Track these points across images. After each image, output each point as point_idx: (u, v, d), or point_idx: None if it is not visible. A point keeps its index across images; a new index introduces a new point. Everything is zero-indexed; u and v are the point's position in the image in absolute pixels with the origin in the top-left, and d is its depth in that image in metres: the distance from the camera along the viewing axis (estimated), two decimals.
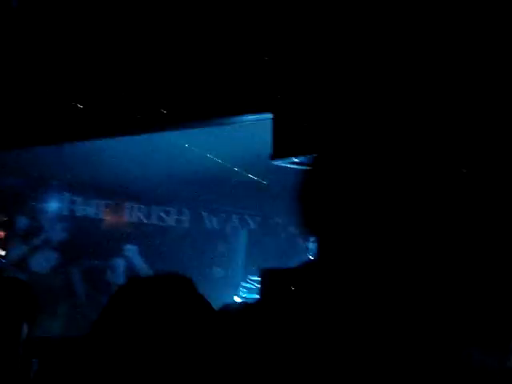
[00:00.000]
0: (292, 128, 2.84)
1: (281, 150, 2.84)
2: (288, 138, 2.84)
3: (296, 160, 2.94)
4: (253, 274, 7.19)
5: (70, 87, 3.94)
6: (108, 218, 8.03)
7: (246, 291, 6.94)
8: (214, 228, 8.62)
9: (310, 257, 4.80)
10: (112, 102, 3.85)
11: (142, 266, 7.86)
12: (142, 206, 8.23)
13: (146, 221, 8.26)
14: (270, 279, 3.89)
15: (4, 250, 7.26)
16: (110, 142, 5.45)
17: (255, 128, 4.77)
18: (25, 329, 2.41)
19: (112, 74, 3.83)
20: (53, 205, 7.65)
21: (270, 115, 3.04)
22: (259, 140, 5.25)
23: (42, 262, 7.46)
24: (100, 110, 3.90)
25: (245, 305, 1.43)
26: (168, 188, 7.48)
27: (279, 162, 2.89)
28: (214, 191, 7.60)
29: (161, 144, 5.65)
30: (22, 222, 7.50)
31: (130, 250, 7.99)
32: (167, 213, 8.38)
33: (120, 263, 7.87)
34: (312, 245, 5.22)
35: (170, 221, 8.40)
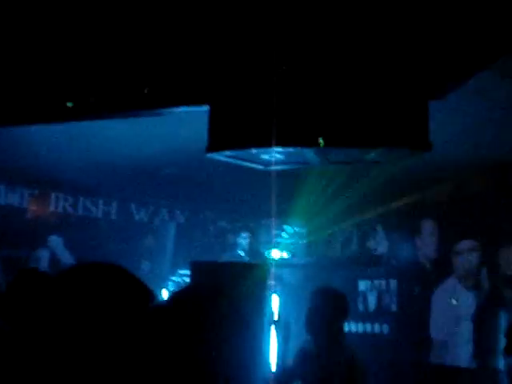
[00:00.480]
0: (229, 121, 2.82)
1: (216, 142, 2.82)
2: (224, 130, 2.82)
3: (229, 153, 2.93)
4: (181, 268, 7.14)
5: None
6: (32, 207, 7.79)
7: (174, 284, 6.89)
8: (142, 220, 8.51)
9: (240, 252, 4.81)
10: (39, 88, 3.73)
11: (67, 258, 7.68)
12: (69, 197, 8.03)
13: (72, 211, 8.06)
14: (200, 272, 3.88)
15: None
16: (35, 129, 5.29)
17: (187, 120, 4.74)
18: None
19: (37, 58, 3.70)
20: None
21: (206, 107, 3.01)
22: (191, 132, 5.24)
23: None
24: (24, 95, 3.77)
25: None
26: (96, 178, 7.33)
27: (214, 155, 2.87)
28: (143, 183, 7.50)
29: (89, 133, 5.52)
30: None
31: (55, 241, 7.80)
32: (94, 204, 8.21)
33: (44, 254, 7.66)
34: (243, 240, 5.22)
35: (97, 212, 8.23)
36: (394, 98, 2.53)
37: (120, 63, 3.50)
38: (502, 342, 5.70)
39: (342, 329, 3.81)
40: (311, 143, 2.54)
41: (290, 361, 4.04)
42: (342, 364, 3.56)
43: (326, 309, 3.75)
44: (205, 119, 3.17)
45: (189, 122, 4.68)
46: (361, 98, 2.52)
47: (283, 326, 3.99)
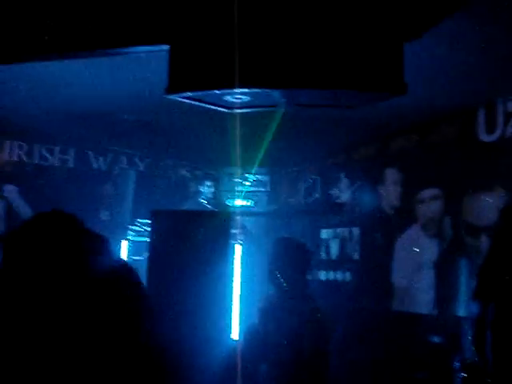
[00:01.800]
0: (190, 60, 2.65)
1: (177, 83, 2.65)
2: (186, 70, 2.65)
3: (190, 94, 2.76)
4: (141, 217, 7.00)
5: None
6: None
7: (134, 234, 6.75)
8: (100, 168, 8.28)
9: (202, 200, 4.67)
10: None
11: (23, 208, 7.45)
12: (23, 144, 7.75)
13: (27, 160, 7.80)
14: (161, 221, 3.73)
15: None
16: None
17: (146, 61, 4.53)
18: None
19: None
20: None
21: (166, 47, 2.83)
22: (150, 75, 5.03)
23: None
24: None
25: None
26: (52, 125, 7.07)
27: (174, 96, 2.70)
28: (102, 129, 7.27)
29: (45, 76, 5.26)
30: None
31: (10, 190, 7.55)
32: (50, 151, 7.95)
33: None
34: (206, 189, 5.08)
35: (54, 160, 7.98)
36: (368, 38, 2.40)
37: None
38: (463, 290, 5.77)
39: (304, 279, 3.74)
40: (278, 84, 2.40)
41: (253, 317, 3.98)
42: (305, 314, 3.51)
43: (287, 259, 3.67)
44: (165, 61, 3.00)
45: (148, 63, 4.49)
46: (333, 37, 2.37)
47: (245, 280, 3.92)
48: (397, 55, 2.54)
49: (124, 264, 1.33)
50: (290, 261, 3.66)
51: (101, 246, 1.35)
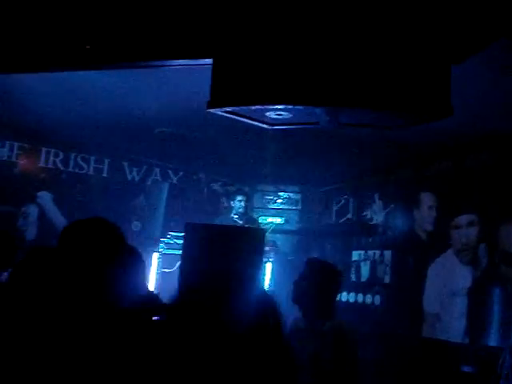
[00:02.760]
0: (233, 75, 2.63)
1: (219, 97, 2.63)
2: (228, 85, 2.63)
3: (232, 109, 2.74)
4: (173, 230, 6.99)
5: None
6: (22, 161, 7.58)
7: (164, 247, 6.74)
8: (134, 180, 8.32)
9: (233, 216, 4.62)
10: (32, 34, 3.51)
11: (56, 215, 7.51)
12: (59, 152, 7.82)
13: (62, 168, 7.87)
14: (195, 234, 3.70)
15: None
16: (27, 81, 5.08)
17: (185, 75, 4.54)
18: None
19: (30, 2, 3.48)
20: None
21: (209, 60, 2.81)
22: (188, 89, 5.04)
23: None
24: (17, 41, 3.55)
25: None
26: (88, 135, 7.12)
27: (216, 111, 2.68)
28: (137, 141, 7.30)
29: (84, 86, 5.31)
30: None
31: (44, 197, 7.62)
32: (86, 161, 8.01)
33: (33, 210, 7.49)
34: (237, 204, 5.02)
35: (89, 169, 8.04)
36: (417, 59, 2.35)
37: (121, 11, 3.28)
38: (496, 319, 5.63)
39: (332, 302, 3.65)
40: (324, 102, 2.36)
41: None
42: (331, 337, 3.43)
43: (315, 281, 3.60)
44: (204, 75, 2.98)
45: (188, 77, 4.49)
46: (380, 57, 2.33)
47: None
48: (444, 77, 2.49)
49: None
50: (317, 283, 3.59)
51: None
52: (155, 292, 3.52)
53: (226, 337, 1.12)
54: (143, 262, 2.30)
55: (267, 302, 1.28)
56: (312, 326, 3.56)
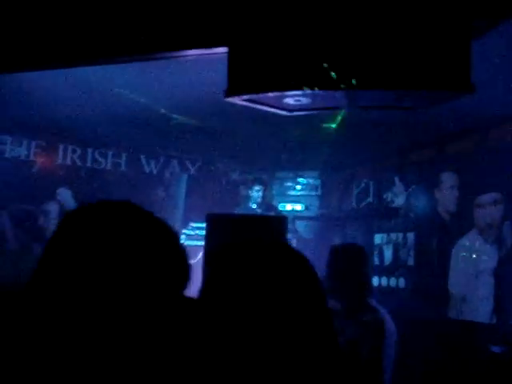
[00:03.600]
0: (249, 62, 2.58)
1: (236, 85, 2.59)
2: (244, 73, 2.59)
3: (250, 97, 2.70)
4: (193, 221, 6.99)
5: None
6: (40, 159, 7.61)
7: (186, 238, 6.73)
8: (152, 172, 8.32)
9: (252, 205, 4.59)
10: (41, 30, 3.48)
11: None
12: (77, 148, 7.84)
13: (80, 164, 7.89)
14: (216, 224, 3.67)
15: None
16: (41, 78, 5.08)
17: (199, 66, 4.50)
18: None
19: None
20: None
21: (224, 49, 2.77)
22: (201, 80, 5.01)
23: None
24: (27, 39, 3.52)
25: None
26: (104, 129, 7.12)
27: (234, 99, 2.64)
28: (153, 133, 7.29)
29: (97, 81, 5.29)
30: None
31: (64, 193, 7.65)
32: (103, 156, 8.02)
33: (53, 208, 7.52)
34: (255, 193, 4.98)
35: (107, 164, 8.05)
36: (435, 35, 2.29)
37: (134, 3, 3.25)
38: None
39: (369, 288, 3.58)
40: (344, 85, 2.31)
41: None
42: (366, 325, 3.37)
43: (352, 269, 3.51)
44: (220, 64, 2.94)
45: (202, 67, 4.45)
46: (398, 36, 2.27)
47: None
48: (464, 53, 2.43)
49: None
50: (347, 269, 3.51)
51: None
52: None
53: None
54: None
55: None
56: (352, 312, 3.47)
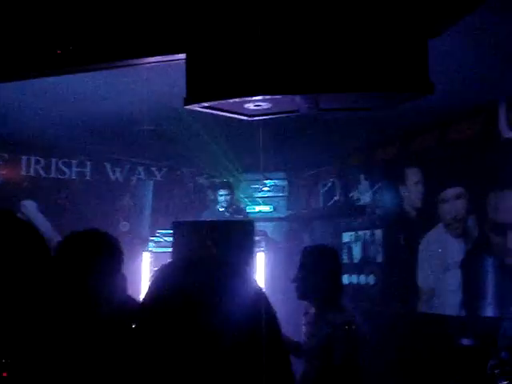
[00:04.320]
0: (207, 69, 2.57)
1: (195, 93, 2.57)
2: (203, 80, 2.57)
3: (210, 104, 2.68)
4: (160, 227, 6.94)
5: None
6: (2, 171, 7.49)
7: (154, 245, 6.68)
8: (118, 180, 8.25)
9: (220, 208, 4.58)
10: (5, 40, 3.43)
11: (42, 223, 7.43)
12: (40, 159, 7.74)
13: (44, 174, 7.78)
14: (182, 232, 3.64)
15: None
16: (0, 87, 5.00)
17: (159, 72, 4.48)
18: None
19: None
20: None
21: (182, 55, 2.75)
22: (163, 85, 4.98)
23: None
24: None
25: None
26: (67, 139, 7.05)
27: (193, 107, 2.62)
28: (117, 141, 7.23)
29: (59, 89, 5.23)
30: None
31: (29, 206, 7.54)
32: (67, 165, 7.93)
33: None
34: (222, 197, 4.97)
35: (71, 174, 7.96)
36: (390, 36, 2.31)
37: (91, 12, 3.21)
38: (491, 290, 5.64)
39: (336, 289, 3.59)
40: (302, 89, 2.32)
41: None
42: (337, 327, 3.38)
43: (318, 269, 3.52)
44: (180, 70, 2.93)
45: (162, 74, 4.43)
46: (354, 37, 2.29)
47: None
48: (421, 53, 2.45)
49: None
50: (321, 271, 3.52)
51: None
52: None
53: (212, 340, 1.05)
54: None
55: (260, 300, 1.19)
56: (324, 314, 3.47)
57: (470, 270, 5.91)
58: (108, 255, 2.09)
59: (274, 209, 8.70)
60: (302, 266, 3.57)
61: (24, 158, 7.66)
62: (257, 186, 8.69)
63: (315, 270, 3.51)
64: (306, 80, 2.32)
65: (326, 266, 3.55)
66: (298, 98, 2.44)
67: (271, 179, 8.74)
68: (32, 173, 7.70)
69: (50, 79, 4.61)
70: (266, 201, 8.70)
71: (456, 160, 6.10)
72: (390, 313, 6.75)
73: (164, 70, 4.07)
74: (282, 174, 8.88)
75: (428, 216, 6.55)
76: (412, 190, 6.83)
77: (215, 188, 7.74)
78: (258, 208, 8.57)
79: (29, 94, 5.26)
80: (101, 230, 2.12)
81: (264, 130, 6.11)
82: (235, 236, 3.83)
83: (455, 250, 6.12)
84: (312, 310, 3.59)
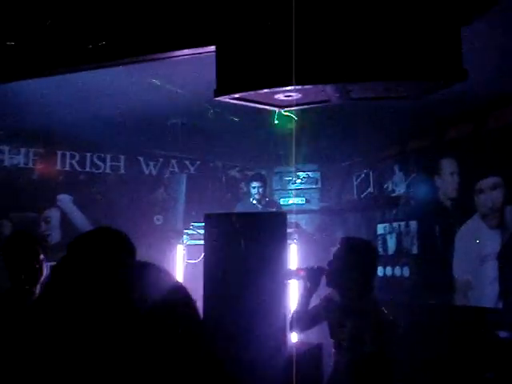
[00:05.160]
0: (237, 60, 2.56)
1: (225, 84, 2.57)
2: (233, 71, 2.57)
3: (240, 95, 2.67)
4: (194, 220, 6.96)
5: None
6: (39, 166, 7.60)
7: (188, 238, 6.71)
8: (151, 174, 8.31)
9: (253, 201, 4.58)
10: (36, 37, 3.47)
11: (78, 217, 7.53)
12: (75, 153, 7.84)
13: (79, 169, 7.88)
14: (214, 224, 3.66)
15: None
16: (36, 86, 5.06)
17: (192, 65, 4.48)
18: None
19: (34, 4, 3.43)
20: None
21: (212, 48, 2.75)
22: (196, 79, 4.99)
23: None
24: (22, 45, 3.51)
25: None
26: (102, 133, 7.11)
27: (223, 98, 2.62)
28: (151, 135, 7.28)
29: (92, 86, 5.28)
30: None
31: (64, 200, 7.64)
32: (102, 159, 8.01)
33: (54, 214, 7.51)
34: (254, 190, 4.97)
35: (105, 168, 8.04)
36: (424, 24, 2.26)
37: (119, 7, 3.23)
38: None
39: (367, 280, 3.56)
40: (333, 79, 2.29)
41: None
42: (368, 317, 3.35)
43: (350, 260, 3.50)
44: (212, 63, 2.93)
45: (194, 67, 4.43)
46: (385, 26, 2.25)
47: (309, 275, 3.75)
48: (455, 40, 2.41)
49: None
50: (352, 261, 3.50)
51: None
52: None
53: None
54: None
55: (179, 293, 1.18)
56: (351, 303, 3.46)
57: (507, 261, 5.81)
58: (122, 251, 2.10)
59: (307, 201, 8.65)
60: (337, 256, 3.56)
61: (59, 152, 7.76)
62: (289, 178, 8.66)
63: (349, 262, 3.49)
64: (337, 69, 2.29)
65: (362, 258, 3.52)
66: (328, 88, 2.42)
67: (304, 171, 8.69)
68: (67, 167, 7.80)
69: (83, 75, 4.66)
70: (298, 193, 8.66)
71: (492, 149, 5.99)
72: (426, 305, 6.68)
73: (194, 63, 4.08)
74: (314, 166, 8.83)
75: (464, 207, 6.45)
76: (447, 180, 6.73)
77: (248, 180, 7.73)
78: (290, 200, 8.54)
79: (63, 89, 5.31)
80: (112, 228, 2.12)
81: (297, 121, 6.11)
82: (267, 228, 3.82)
83: (492, 241, 6.02)
84: (336, 298, 3.58)
